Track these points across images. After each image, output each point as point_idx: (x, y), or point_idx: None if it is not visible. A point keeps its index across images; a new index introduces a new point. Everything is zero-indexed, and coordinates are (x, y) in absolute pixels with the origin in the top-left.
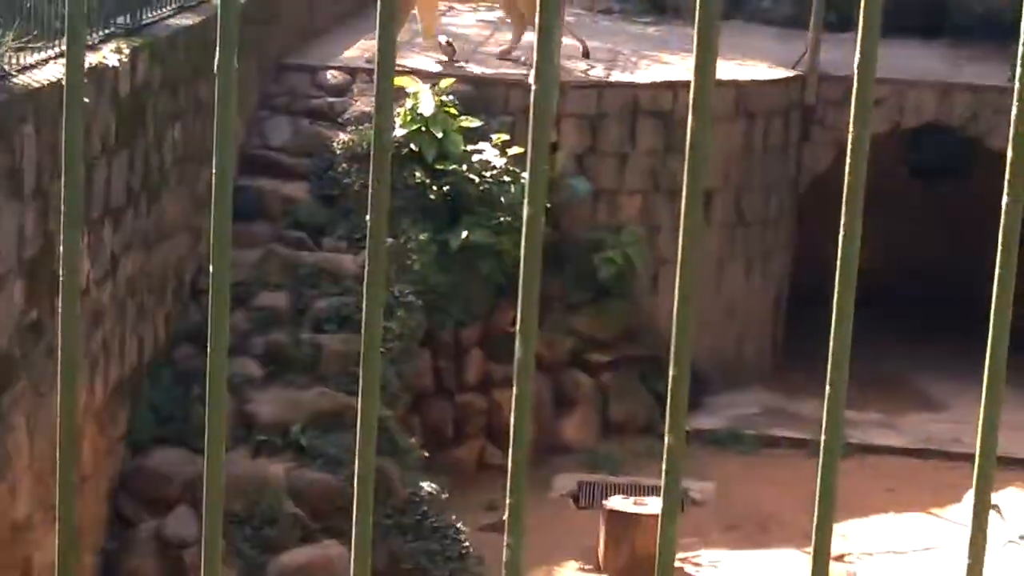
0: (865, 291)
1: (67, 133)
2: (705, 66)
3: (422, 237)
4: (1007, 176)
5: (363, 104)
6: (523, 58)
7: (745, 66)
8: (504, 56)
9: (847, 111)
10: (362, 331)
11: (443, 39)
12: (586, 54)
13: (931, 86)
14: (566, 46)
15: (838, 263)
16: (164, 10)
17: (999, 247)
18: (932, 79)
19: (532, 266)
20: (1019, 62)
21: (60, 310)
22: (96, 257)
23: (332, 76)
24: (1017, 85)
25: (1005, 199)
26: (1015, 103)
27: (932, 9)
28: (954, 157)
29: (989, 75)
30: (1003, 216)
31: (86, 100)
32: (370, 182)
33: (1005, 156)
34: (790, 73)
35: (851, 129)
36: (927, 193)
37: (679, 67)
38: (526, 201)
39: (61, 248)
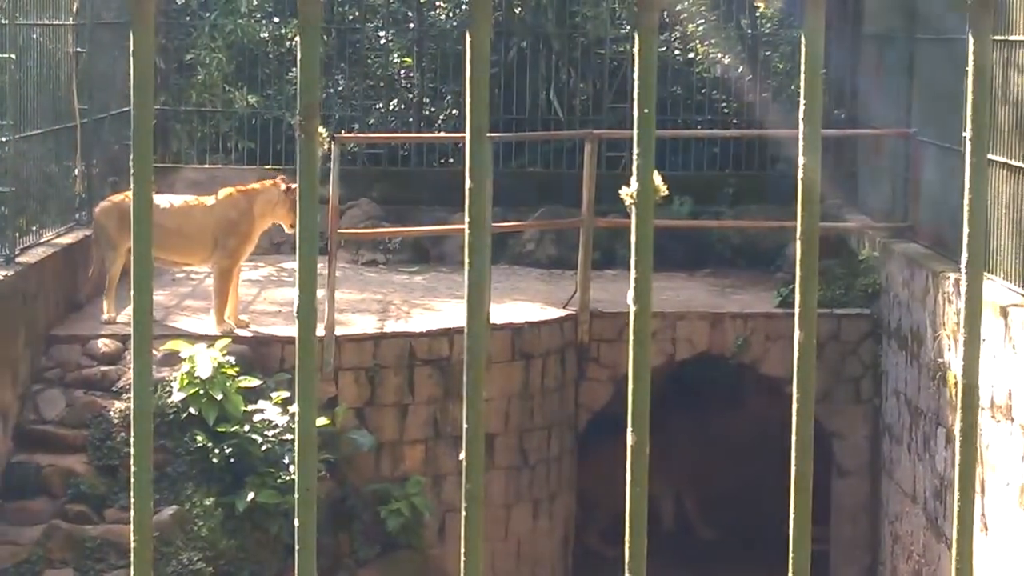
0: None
1: None
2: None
3: (207, 502)
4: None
5: None
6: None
7: (517, 307)
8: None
9: (621, 347)
10: None
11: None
12: None
13: (701, 317)
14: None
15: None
16: None
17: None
18: (701, 309)
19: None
20: None
21: None
22: None
23: (103, 345)
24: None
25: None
26: None
27: (695, 241)
28: (726, 386)
29: (755, 303)
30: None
31: None
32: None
33: (778, 381)
34: (562, 312)
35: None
36: (705, 423)
37: (450, 313)
38: None
39: None
